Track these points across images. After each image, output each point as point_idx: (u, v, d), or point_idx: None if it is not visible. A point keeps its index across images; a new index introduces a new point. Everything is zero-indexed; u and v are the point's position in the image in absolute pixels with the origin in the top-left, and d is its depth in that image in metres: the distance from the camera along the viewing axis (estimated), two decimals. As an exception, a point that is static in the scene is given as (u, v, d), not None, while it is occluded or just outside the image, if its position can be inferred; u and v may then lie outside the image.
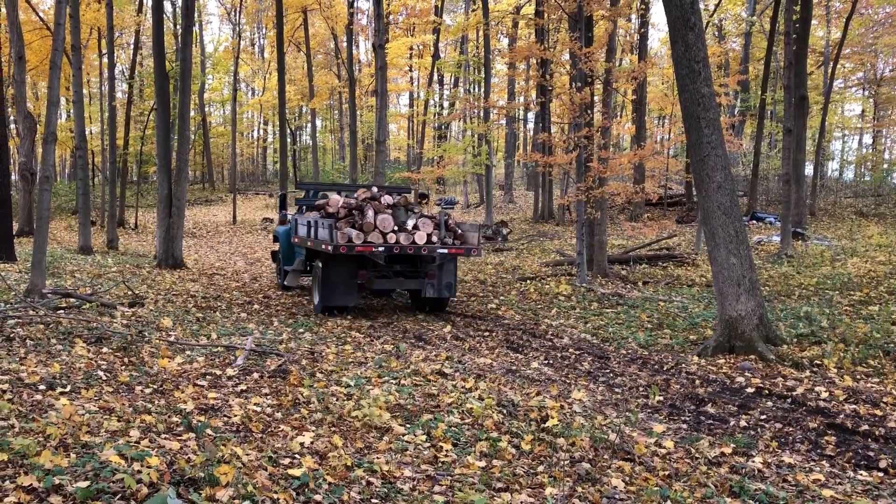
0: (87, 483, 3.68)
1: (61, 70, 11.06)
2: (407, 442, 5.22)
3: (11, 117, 28.76)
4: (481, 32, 33.20)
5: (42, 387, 5.70)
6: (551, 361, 8.73)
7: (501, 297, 13.49)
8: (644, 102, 30.26)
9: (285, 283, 14.17)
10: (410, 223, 11.30)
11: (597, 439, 5.54)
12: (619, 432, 5.66)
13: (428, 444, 5.23)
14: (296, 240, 13.27)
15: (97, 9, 29.72)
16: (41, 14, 31.86)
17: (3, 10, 21.14)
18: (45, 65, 31.07)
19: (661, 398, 7.06)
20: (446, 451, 5.11)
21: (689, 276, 15.56)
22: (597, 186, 14.75)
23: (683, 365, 8.33)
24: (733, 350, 8.60)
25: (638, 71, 17.63)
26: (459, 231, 11.81)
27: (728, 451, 5.43)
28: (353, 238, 10.90)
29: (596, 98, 17.06)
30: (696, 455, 5.33)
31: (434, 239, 11.33)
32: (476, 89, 42.56)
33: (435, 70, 37.84)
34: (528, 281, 15.47)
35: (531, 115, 44.23)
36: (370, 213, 11.22)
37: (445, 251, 11.26)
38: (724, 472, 4.99)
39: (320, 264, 11.64)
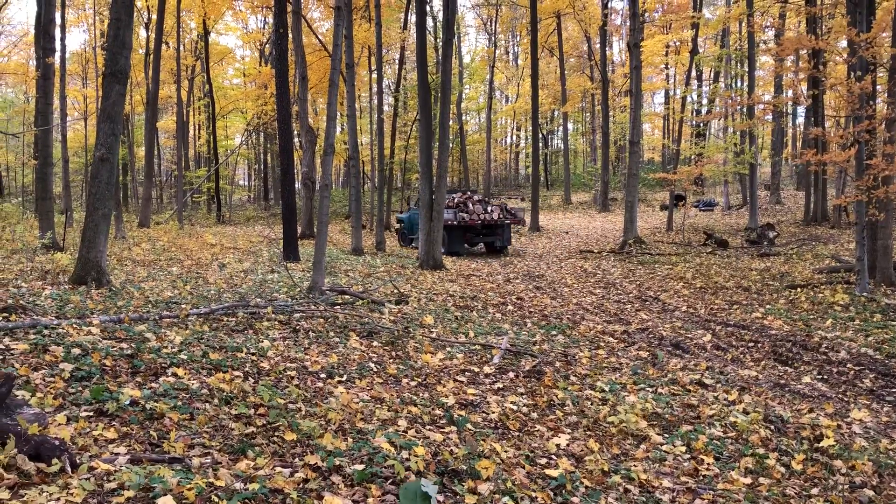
0: (362, 466, 3.99)
1: (338, 87, 12.11)
2: (665, 452, 5.06)
3: (296, 132, 32.08)
4: (744, 24, 31.24)
5: (323, 375, 6.28)
6: (825, 377, 7.98)
7: (768, 306, 12.57)
8: (940, 88, 26.56)
9: (411, 245, 24.15)
10: (489, 209, 22.19)
11: (881, 464, 4.98)
12: (911, 460, 5.04)
13: (688, 456, 5.03)
14: None
15: (367, 28, 32.28)
16: (320, 37, 35.25)
17: (291, 34, 23.69)
18: (322, 83, 34.37)
19: (965, 425, 6.16)
20: (707, 464, 4.88)
21: None
22: (880, 185, 13.21)
23: None
24: None
25: (934, 53, 15.47)
26: (513, 212, 23.14)
27: None
28: (465, 217, 21.48)
29: (879, 87, 15.28)
30: None
31: (501, 216, 22.29)
32: (738, 84, 40.10)
33: (693, 66, 36.23)
34: (799, 289, 14.25)
35: (801, 110, 40.82)
36: (470, 204, 22.11)
37: (508, 221, 22.50)
38: None
39: (444, 232, 20.23)
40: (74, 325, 6.72)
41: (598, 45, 44.97)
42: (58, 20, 22.68)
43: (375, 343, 8.02)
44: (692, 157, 35.84)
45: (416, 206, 23.58)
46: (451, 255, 21.18)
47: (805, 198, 31.52)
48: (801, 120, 44.26)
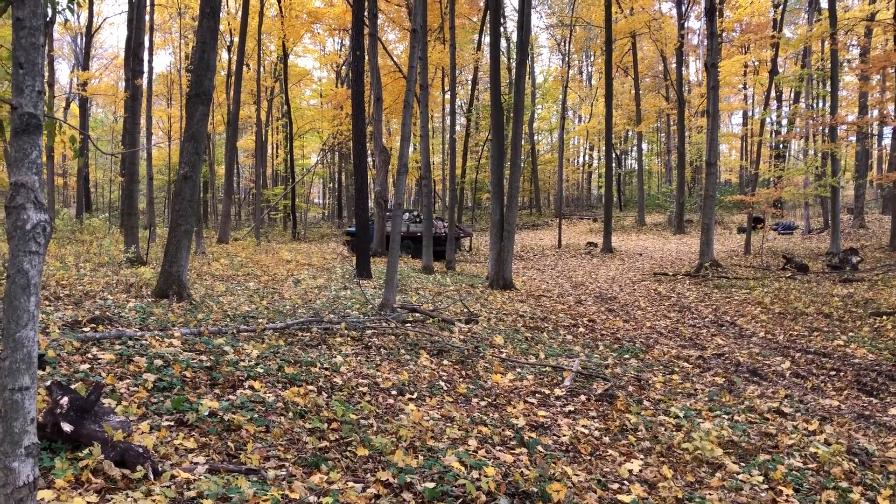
0: (433, 484, 4.01)
1: (412, 108, 12.27)
2: (741, 481, 4.92)
3: (369, 151, 32.58)
4: (827, 43, 30.34)
5: (394, 392, 6.33)
6: (915, 409, 7.61)
7: (851, 334, 12.10)
8: None
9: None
10: (444, 224, 27.02)
11: (979, 506, 4.71)
12: None
13: (765, 486, 4.87)
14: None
15: (441, 50, 32.65)
16: (395, 59, 35.80)
17: (367, 56, 24.13)
18: (397, 104, 34.86)
19: None
20: (786, 495, 4.72)
21: None
22: (976, 209, 12.60)
23: None
24: None
25: None
26: (463, 228, 28.54)
27: None
28: (439, 228, 27.36)
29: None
30: None
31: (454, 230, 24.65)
32: (820, 104, 38.90)
33: (772, 86, 35.33)
34: (885, 316, 13.67)
35: (887, 130, 39.33)
36: (436, 221, 27.64)
37: (460, 235, 27.27)
38: None
39: (412, 242, 26.75)
40: (157, 337, 6.97)
41: (673, 65, 44.34)
42: (146, 44, 23.68)
43: (445, 361, 8.04)
44: (771, 179, 34.90)
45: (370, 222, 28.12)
46: (415, 259, 25.93)
47: (891, 222, 30.23)
48: (887, 141, 42.68)
